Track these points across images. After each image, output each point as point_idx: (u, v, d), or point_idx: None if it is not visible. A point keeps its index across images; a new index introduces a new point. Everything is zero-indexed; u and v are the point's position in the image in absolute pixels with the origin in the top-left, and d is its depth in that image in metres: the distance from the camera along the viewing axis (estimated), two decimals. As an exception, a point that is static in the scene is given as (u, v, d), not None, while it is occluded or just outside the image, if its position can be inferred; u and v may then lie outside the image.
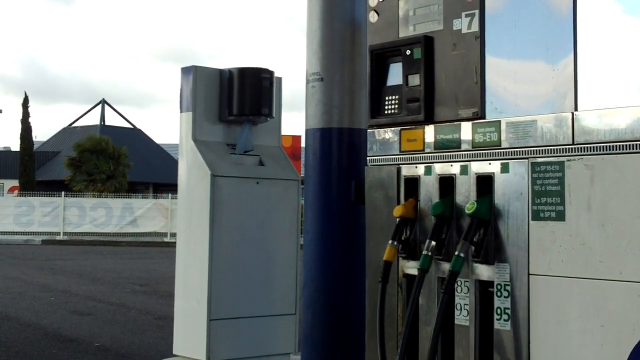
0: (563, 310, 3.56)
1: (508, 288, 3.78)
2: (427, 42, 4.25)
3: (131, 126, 66.18)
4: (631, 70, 3.60)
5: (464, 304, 3.99)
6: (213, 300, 6.00)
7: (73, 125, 65.11)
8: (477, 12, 4.04)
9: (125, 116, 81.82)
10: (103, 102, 66.59)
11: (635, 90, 3.57)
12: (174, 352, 6.43)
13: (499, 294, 3.82)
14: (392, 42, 4.47)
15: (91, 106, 68.93)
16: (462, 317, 3.99)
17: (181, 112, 6.33)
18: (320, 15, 5.81)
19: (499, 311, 3.82)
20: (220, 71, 6.35)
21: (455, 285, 3.97)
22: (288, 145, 27.05)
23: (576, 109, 4.24)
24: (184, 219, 6.33)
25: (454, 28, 4.14)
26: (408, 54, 4.34)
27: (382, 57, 4.54)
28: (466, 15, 4.08)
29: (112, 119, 71.84)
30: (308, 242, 5.82)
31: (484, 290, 3.94)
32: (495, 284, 3.85)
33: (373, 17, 4.59)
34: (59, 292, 15.58)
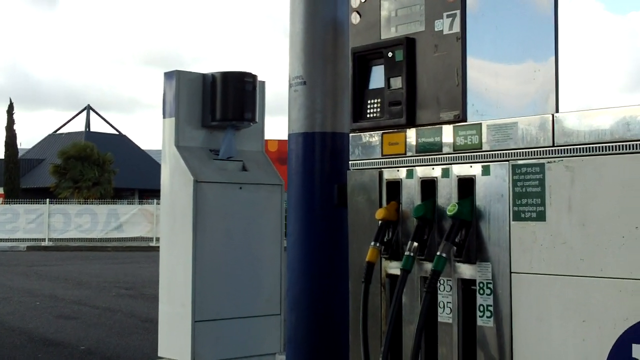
0: (545, 307, 3.60)
1: (490, 286, 3.81)
2: (408, 43, 4.26)
3: (116, 132, 66.23)
4: (614, 69, 3.64)
5: (447, 302, 4.01)
6: (197, 302, 6.02)
7: (58, 132, 65.09)
8: (458, 12, 4.04)
9: (111, 122, 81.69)
10: (88, 108, 66.63)
11: (618, 90, 3.61)
12: (159, 355, 6.44)
13: (481, 291, 3.85)
14: (374, 44, 4.48)
15: (76, 112, 68.92)
16: (445, 314, 4.02)
17: (164, 117, 6.34)
18: (303, 18, 5.80)
19: (481, 308, 3.85)
20: (203, 75, 6.37)
21: (438, 284, 4.00)
22: (274, 150, 27.03)
23: (557, 111, 4.29)
24: (167, 224, 6.35)
25: (436, 29, 4.15)
26: (390, 56, 4.35)
27: (364, 60, 4.56)
28: (447, 16, 4.09)
29: (97, 125, 71.80)
30: (291, 244, 5.84)
31: (467, 289, 3.97)
32: (477, 282, 3.87)
33: (355, 18, 4.60)
34: (44, 296, 15.58)
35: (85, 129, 64.54)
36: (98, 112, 68.89)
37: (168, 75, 6.30)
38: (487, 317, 3.82)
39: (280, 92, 5.90)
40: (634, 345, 3.32)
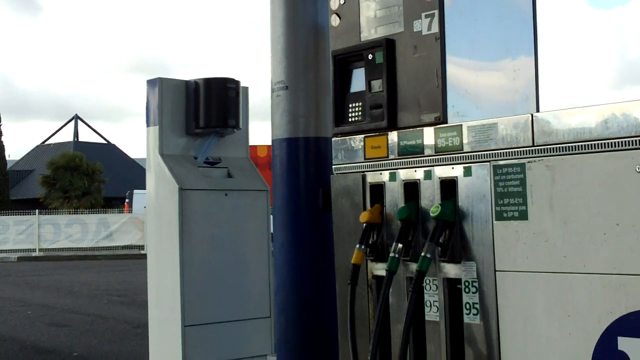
0: (531, 303, 3.63)
1: (476, 284, 3.84)
2: (388, 45, 4.27)
3: (105, 141, 66.21)
4: (601, 65, 3.66)
5: (434, 301, 4.04)
6: (186, 307, 6.01)
7: (46, 142, 65.06)
8: (436, 12, 4.05)
9: (99, 131, 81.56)
10: (76, 117, 66.56)
11: (606, 87, 3.63)
12: (150, 360, 6.43)
13: (467, 290, 3.88)
14: (354, 46, 4.48)
15: (64, 122, 68.76)
16: (433, 313, 4.05)
17: (148, 126, 6.31)
18: (284, 22, 5.79)
19: (467, 306, 3.88)
20: (186, 82, 6.33)
21: (424, 283, 4.03)
22: (264, 155, 26.99)
23: (538, 110, 4.31)
24: (153, 232, 6.34)
25: (415, 30, 4.15)
26: (370, 58, 4.36)
27: (345, 63, 4.56)
28: (426, 16, 4.09)
29: (85, 135, 71.73)
30: (278, 249, 5.85)
31: (453, 287, 4.00)
32: (463, 281, 3.90)
33: (335, 20, 4.59)
34: (36, 306, 15.56)
35: (74, 138, 64.53)
36: (86, 121, 68.75)
37: (151, 83, 6.27)
38: (474, 314, 3.85)
39: (266, 97, 5.90)
40: (619, 338, 3.35)
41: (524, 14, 4.55)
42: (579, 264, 3.46)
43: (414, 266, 4.01)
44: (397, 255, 4.08)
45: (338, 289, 4.54)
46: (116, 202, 54.16)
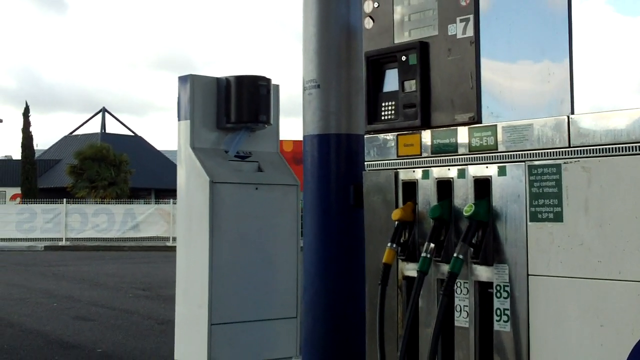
0: (562, 311, 3.58)
1: (507, 289, 3.80)
2: (422, 47, 4.25)
3: (132, 134, 66.50)
4: (628, 70, 3.62)
5: (464, 306, 4.00)
6: (214, 305, 6.01)
7: (74, 133, 65.38)
8: (471, 16, 4.03)
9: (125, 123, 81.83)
10: (104, 110, 66.97)
11: (633, 91, 3.59)
12: (175, 358, 6.43)
13: (498, 294, 3.84)
14: (387, 48, 4.47)
15: (90, 115, 69.14)
16: (462, 318, 4.00)
17: (179, 120, 6.35)
18: (316, 22, 5.79)
19: (498, 312, 3.83)
20: (217, 79, 6.37)
21: (455, 286, 3.98)
22: (290, 150, 27.12)
23: (572, 112, 4.27)
24: (183, 225, 6.35)
25: (449, 33, 4.13)
26: (403, 60, 4.35)
27: (377, 64, 4.55)
28: (461, 20, 4.08)
29: (112, 127, 71.91)
30: (307, 246, 5.82)
31: (484, 292, 3.95)
32: (494, 285, 3.86)
33: (368, 23, 4.59)
34: (62, 298, 15.59)
35: (101, 130, 64.90)
36: (113, 114, 69.10)
37: (182, 79, 6.31)
38: (504, 321, 3.80)
39: (291, 95, 5.90)
40: (652, 352, 3.30)
41: (559, 17, 4.51)
42: (614, 270, 3.41)
43: (445, 267, 3.98)
44: (429, 255, 4.04)
45: (368, 288, 4.51)
46: (142, 193, 54.42)
